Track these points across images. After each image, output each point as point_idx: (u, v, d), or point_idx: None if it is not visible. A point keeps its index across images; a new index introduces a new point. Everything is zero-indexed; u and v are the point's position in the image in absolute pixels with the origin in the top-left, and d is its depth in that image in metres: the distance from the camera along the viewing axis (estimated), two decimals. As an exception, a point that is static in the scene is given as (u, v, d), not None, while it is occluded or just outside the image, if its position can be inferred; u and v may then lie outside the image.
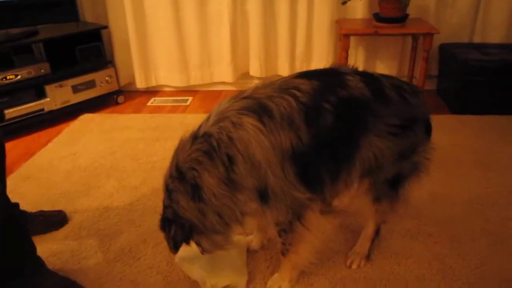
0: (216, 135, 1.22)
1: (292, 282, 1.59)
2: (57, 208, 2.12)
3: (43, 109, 3.03)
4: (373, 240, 1.72)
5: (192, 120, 3.09)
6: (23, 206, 2.15)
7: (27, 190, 2.31)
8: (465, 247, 1.79)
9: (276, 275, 1.61)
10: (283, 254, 1.53)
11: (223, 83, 3.68)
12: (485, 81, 2.99)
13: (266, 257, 1.75)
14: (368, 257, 1.72)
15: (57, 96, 3.08)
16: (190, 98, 3.57)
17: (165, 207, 1.34)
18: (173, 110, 3.37)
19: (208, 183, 1.23)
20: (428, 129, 1.51)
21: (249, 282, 1.61)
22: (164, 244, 1.82)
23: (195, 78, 3.64)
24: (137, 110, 3.39)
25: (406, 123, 1.41)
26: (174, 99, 3.57)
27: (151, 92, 3.74)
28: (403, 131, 1.40)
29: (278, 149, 1.22)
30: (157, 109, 3.40)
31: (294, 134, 1.23)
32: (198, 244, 1.38)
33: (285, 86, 1.29)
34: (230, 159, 1.21)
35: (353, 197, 1.83)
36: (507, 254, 1.74)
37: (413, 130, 1.44)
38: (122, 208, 2.11)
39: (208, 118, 1.29)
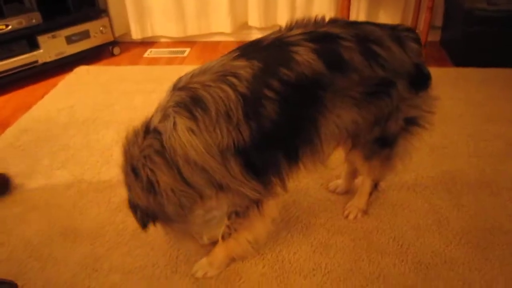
0: (164, 134, 1.15)
1: (220, 269, 1.51)
2: (56, 161, 2.14)
3: (37, 61, 2.96)
4: (370, 194, 1.72)
5: (190, 73, 3.04)
6: (23, 159, 2.16)
7: (26, 143, 2.30)
8: (461, 199, 1.82)
9: (203, 260, 1.52)
10: (223, 238, 1.46)
11: (221, 33, 3.57)
12: (491, 32, 2.90)
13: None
14: (365, 211, 1.73)
15: (51, 47, 3.00)
16: (188, 49, 3.49)
17: (128, 195, 1.32)
18: (170, 61, 3.30)
19: (165, 181, 1.18)
20: (417, 82, 1.34)
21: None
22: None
23: (192, 29, 3.53)
24: (133, 62, 3.32)
25: (376, 88, 1.27)
26: (171, 50, 3.49)
27: (147, 43, 3.64)
28: (372, 97, 1.28)
29: (215, 148, 1.13)
30: (154, 61, 3.32)
31: (234, 130, 1.13)
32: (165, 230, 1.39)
33: (222, 72, 1.16)
34: (177, 164, 1.16)
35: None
36: (499, 204, 1.77)
37: (387, 93, 1.30)
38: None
39: (157, 110, 1.22)
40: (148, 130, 1.20)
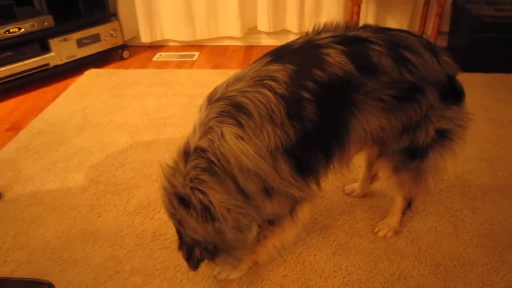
0: (210, 149, 1.13)
1: (243, 272, 1.49)
2: (71, 164, 2.15)
3: (48, 64, 2.98)
4: (403, 213, 1.66)
5: (200, 76, 3.06)
6: (38, 161, 2.17)
7: (40, 145, 2.31)
8: (475, 202, 1.84)
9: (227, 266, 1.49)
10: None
11: (230, 38, 3.60)
12: (498, 38, 2.94)
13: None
14: (397, 230, 1.67)
15: (62, 50, 3.01)
16: (197, 53, 3.51)
17: (179, 233, 1.29)
18: (180, 65, 3.32)
19: (218, 200, 1.15)
20: (449, 94, 1.32)
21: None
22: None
23: (201, 33, 3.55)
24: (143, 65, 3.33)
25: (404, 92, 1.26)
26: (180, 54, 3.51)
27: (156, 46, 3.66)
28: (401, 101, 1.27)
29: (265, 150, 1.13)
30: (164, 64, 3.34)
31: (279, 130, 1.14)
32: (223, 262, 1.36)
33: (258, 77, 1.17)
34: (233, 174, 1.14)
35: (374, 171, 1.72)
36: (514, 208, 1.80)
37: (416, 99, 1.28)
38: (137, 163, 2.13)
39: (194, 130, 1.20)
40: (188, 153, 1.17)
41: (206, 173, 1.13)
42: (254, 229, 1.31)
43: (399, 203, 1.64)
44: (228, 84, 1.20)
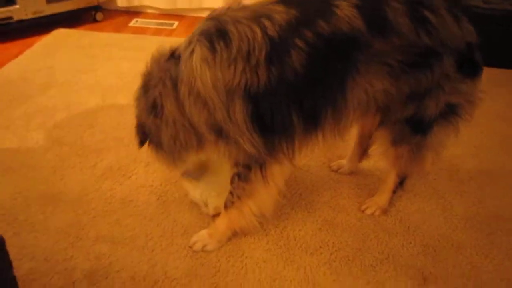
0: (182, 62, 1.11)
1: (221, 243, 1.39)
2: (33, 123, 1.93)
3: (11, 17, 2.70)
4: (394, 192, 1.57)
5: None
6: (-4, 116, 1.94)
7: (-2, 102, 2.08)
8: (463, 186, 1.78)
9: (203, 231, 1.40)
10: (226, 206, 1.35)
11: (212, 9, 3.41)
12: (485, 30, 2.92)
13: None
14: (385, 210, 1.58)
15: (28, 4, 2.74)
16: (176, 23, 3.31)
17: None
18: (158, 33, 3.11)
19: (169, 109, 1.16)
20: (466, 65, 1.20)
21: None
22: (157, 164, 1.72)
23: (183, 1, 3.35)
24: (118, 30, 3.10)
25: (417, 58, 1.15)
26: (158, 22, 3.29)
27: (133, 12, 3.43)
28: (411, 67, 1.16)
29: (223, 86, 1.06)
30: (140, 30, 3.13)
31: (250, 71, 1.05)
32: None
33: (258, 13, 1.09)
34: (181, 91, 1.12)
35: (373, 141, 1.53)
36: (500, 193, 1.75)
37: (429, 64, 1.17)
38: (108, 126, 1.95)
39: (188, 37, 1.16)
40: (173, 54, 1.17)
41: (171, 82, 1.13)
42: (192, 157, 1.30)
43: (391, 181, 1.55)
44: (230, 8, 1.13)
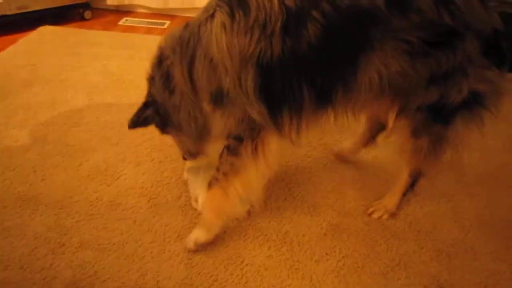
0: (195, 24, 1.10)
1: (212, 233, 1.28)
2: (13, 120, 1.79)
3: (-6, 12, 2.57)
4: (404, 194, 1.48)
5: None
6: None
7: (-24, 98, 1.94)
8: (471, 188, 1.69)
9: (194, 230, 1.30)
10: (210, 185, 1.25)
11: (205, 9, 3.31)
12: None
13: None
14: (393, 214, 1.48)
15: (12, -2, 2.61)
16: (168, 22, 3.20)
17: (147, 93, 1.27)
18: (149, 32, 2.99)
19: (177, 77, 1.13)
20: (492, 51, 1.12)
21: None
22: (148, 164, 1.60)
23: (175, 1, 3.24)
24: (106, 29, 2.98)
25: (438, 38, 1.07)
26: (149, 21, 3.18)
27: (123, 12, 3.31)
28: (431, 48, 1.08)
29: (238, 53, 1.04)
30: (130, 29, 3.00)
31: (264, 40, 1.03)
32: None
33: None
34: (194, 55, 1.09)
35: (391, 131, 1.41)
36: (510, 196, 1.67)
37: (451, 44, 1.08)
38: (95, 125, 1.82)
39: (203, 8, 1.14)
40: (187, 25, 1.13)
41: (180, 47, 1.10)
42: (206, 140, 1.27)
43: (402, 182, 1.45)
44: None
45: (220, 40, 1.03)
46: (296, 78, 1.06)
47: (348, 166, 1.70)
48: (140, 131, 1.73)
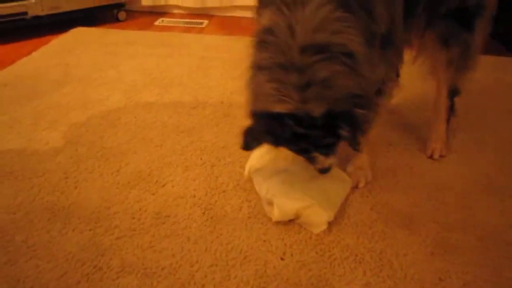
0: None
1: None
2: (43, 121, 1.57)
3: (26, 13, 2.40)
4: (448, 120, 1.46)
5: (211, 41, 2.50)
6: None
7: (4, 98, 1.74)
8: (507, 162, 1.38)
9: (351, 173, 1.28)
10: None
11: (244, 7, 3.07)
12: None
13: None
14: (447, 144, 1.45)
15: (45, -2, 2.45)
16: (206, 21, 2.98)
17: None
18: (188, 30, 2.78)
19: (360, 52, 0.92)
20: None
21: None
22: (198, 169, 1.33)
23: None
24: (142, 29, 2.78)
25: None
26: (186, 21, 2.97)
27: (158, 13, 3.12)
28: None
29: None
30: (168, 29, 2.80)
31: None
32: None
33: None
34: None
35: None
36: None
37: None
38: (134, 125, 1.57)
39: None
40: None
41: (347, 13, 0.90)
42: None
43: (443, 106, 1.44)
44: None
45: None
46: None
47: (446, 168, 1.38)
48: (185, 130, 1.48)
